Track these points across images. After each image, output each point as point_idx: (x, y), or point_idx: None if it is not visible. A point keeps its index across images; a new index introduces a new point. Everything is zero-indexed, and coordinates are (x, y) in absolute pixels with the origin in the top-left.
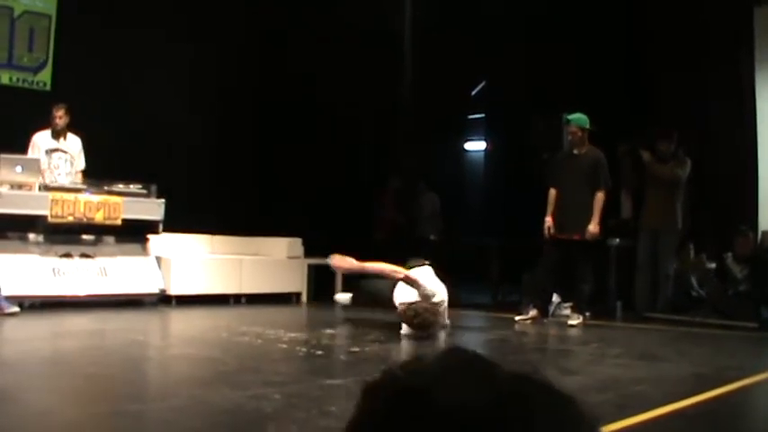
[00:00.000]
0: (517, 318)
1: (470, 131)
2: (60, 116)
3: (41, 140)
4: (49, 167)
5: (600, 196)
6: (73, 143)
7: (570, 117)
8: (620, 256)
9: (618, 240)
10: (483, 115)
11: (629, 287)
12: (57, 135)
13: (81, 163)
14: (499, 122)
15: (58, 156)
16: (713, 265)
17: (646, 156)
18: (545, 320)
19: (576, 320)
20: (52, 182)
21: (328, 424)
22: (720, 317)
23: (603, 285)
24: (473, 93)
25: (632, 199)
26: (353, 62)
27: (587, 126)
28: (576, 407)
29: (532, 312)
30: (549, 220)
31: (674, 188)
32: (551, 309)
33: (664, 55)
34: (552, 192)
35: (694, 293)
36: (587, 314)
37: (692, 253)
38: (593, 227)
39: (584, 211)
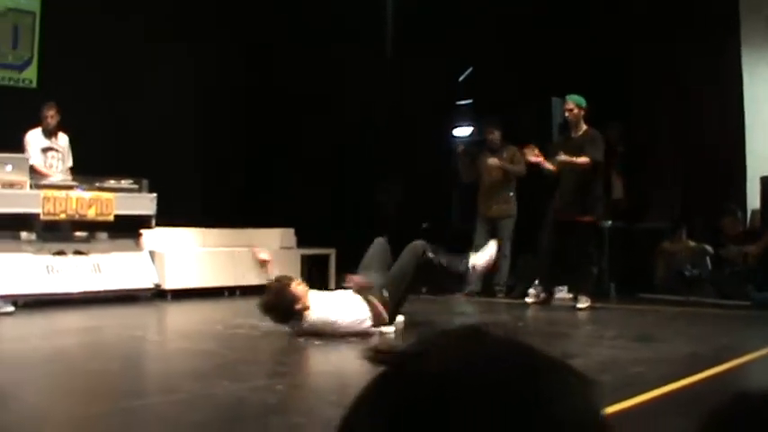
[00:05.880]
0: (528, 300)
1: (458, 118)
2: (52, 115)
3: (34, 139)
4: (45, 166)
5: (584, 158)
6: (63, 141)
7: (569, 96)
8: (613, 237)
9: (610, 222)
10: (471, 101)
11: (623, 269)
12: (49, 134)
13: (70, 160)
14: (486, 108)
15: (51, 155)
16: (707, 246)
17: (494, 161)
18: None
19: (584, 303)
20: (56, 181)
21: (334, 413)
22: (721, 296)
23: (598, 267)
24: (461, 79)
25: (623, 180)
26: (340, 47)
27: (584, 105)
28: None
29: (542, 296)
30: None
31: (510, 177)
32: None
33: (649, 38)
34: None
35: (687, 273)
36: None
37: (683, 234)
38: (562, 159)
39: (581, 194)
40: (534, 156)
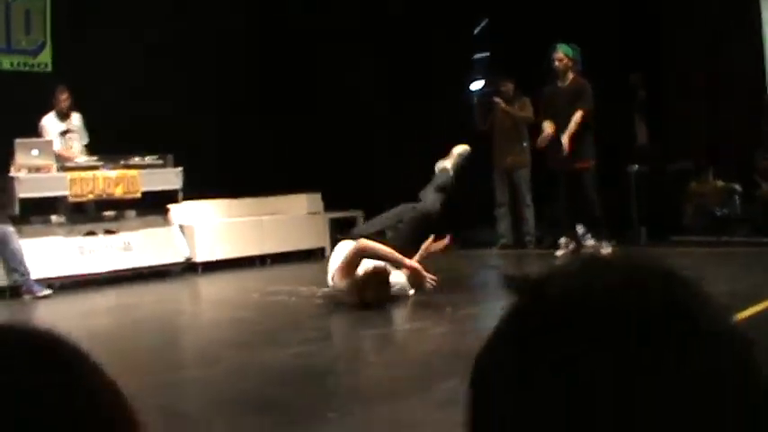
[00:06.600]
0: (557, 253)
1: (475, 72)
2: (65, 98)
3: (50, 124)
4: (65, 149)
5: (578, 114)
6: (77, 120)
7: (559, 45)
8: (640, 181)
9: (637, 167)
10: (487, 54)
11: (652, 213)
12: (63, 116)
13: (85, 138)
14: (503, 60)
15: (69, 137)
16: (735, 185)
17: (498, 101)
18: (581, 252)
19: (607, 249)
20: (81, 162)
21: (381, 372)
22: (754, 234)
23: (626, 212)
24: (475, 32)
25: (647, 124)
26: (354, 9)
27: (572, 55)
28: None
29: (571, 246)
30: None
31: (521, 127)
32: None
33: None
34: (546, 124)
35: (718, 213)
36: (610, 241)
37: (710, 175)
38: (564, 138)
39: (576, 141)
40: (547, 136)
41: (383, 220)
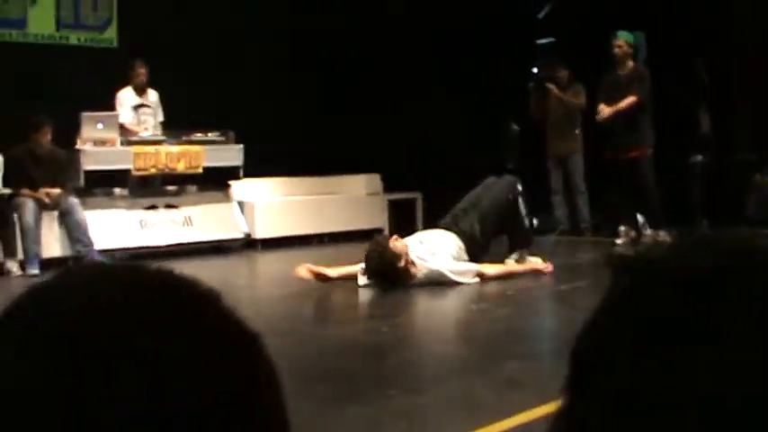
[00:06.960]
0: (618, 241)
1: (540, 57)
2: (143, 72)
3: (126, 97)
4: (138, 123)
5: (631, 98)
6: (153, 96)
7: (619, 32)
8: (704, 172)
9: (700, 157)
10: (553, 39)
11: (715, 204)
12: (139, 91)
13: (161, 115)
14: (569, 46)
15: (143, 111)
16: None
17: (551, 87)
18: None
19: (665, 237)
20: (145, 136)
21: (444, 350)
22: None
23: (689, 203)
24: (540, 15)
25: (709, 112)
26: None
27: (633, 42)
28: None
29: (631, 234)
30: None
31: (574, 115)
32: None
33: None
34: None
35: None
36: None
37: None
38: (607, 109)
39: (631, 130)
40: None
41: (464, 201)
